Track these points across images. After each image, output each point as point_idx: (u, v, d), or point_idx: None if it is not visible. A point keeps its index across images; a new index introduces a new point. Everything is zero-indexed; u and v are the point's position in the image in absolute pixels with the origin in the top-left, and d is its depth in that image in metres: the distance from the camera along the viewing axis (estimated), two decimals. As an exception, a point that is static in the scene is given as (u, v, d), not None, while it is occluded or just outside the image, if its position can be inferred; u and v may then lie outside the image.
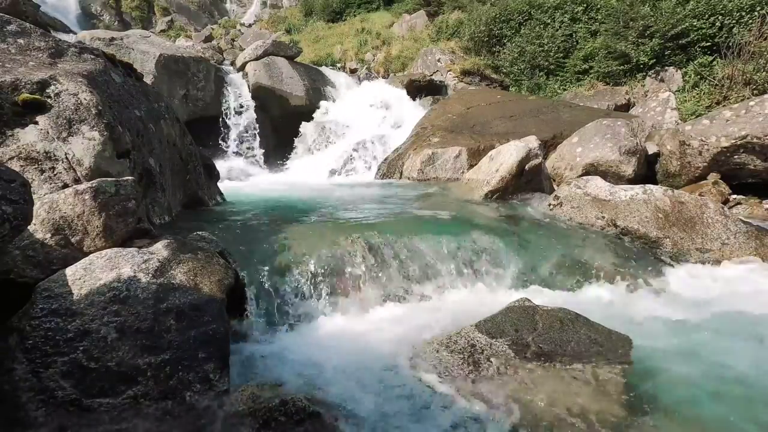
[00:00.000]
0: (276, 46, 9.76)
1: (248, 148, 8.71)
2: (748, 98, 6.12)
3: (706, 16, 7.62)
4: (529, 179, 4.76)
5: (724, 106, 6.40)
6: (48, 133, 2.35)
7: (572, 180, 4.37)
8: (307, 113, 9.24)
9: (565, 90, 9.05)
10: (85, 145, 2.40)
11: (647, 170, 5.78)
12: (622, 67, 8.38)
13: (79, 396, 1.69)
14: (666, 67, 8.04)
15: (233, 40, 14.87)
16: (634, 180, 5.14)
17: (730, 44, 7.14)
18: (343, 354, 2.22)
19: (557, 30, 9.39)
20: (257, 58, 9.47)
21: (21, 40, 2.75)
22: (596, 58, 8.76)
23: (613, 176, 5.25)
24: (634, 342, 2.17)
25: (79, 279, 1.93)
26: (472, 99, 7.92)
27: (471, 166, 5.58)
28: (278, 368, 2.10)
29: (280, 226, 3.22)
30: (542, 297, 2.82)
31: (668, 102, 7.28)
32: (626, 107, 8.00)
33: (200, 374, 1.82)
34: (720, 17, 7.55)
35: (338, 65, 12.30)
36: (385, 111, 9.13)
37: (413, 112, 8.93)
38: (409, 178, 6.09)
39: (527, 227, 3.64)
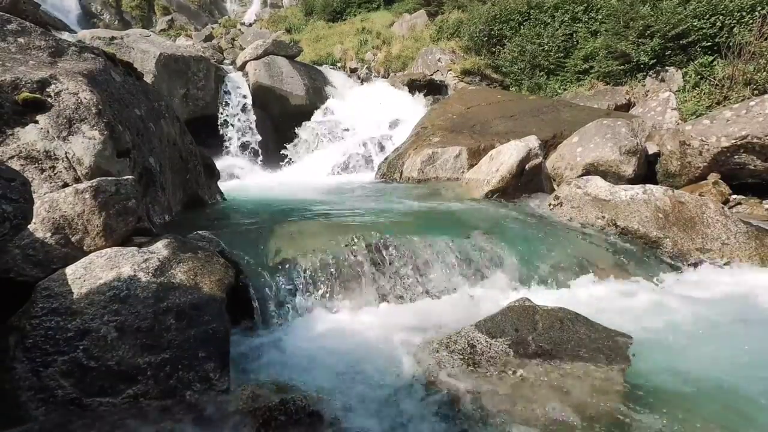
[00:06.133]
0: (276, 45, 9.76)
1: (248, 148, 8.71)
2: (748, 98, 6.11)
3: (707, 16, 7.61)
4: (529, 179, 4.75)
5: (724, 106, 6.39)
6: (48, 132, 2.35)
7: (572, 180, 4.37)
8: (307, 113, 9.24)
9: (565, 90, 9.04)
10: (85, 144, 2.40)
11: (647, 170, 5.77)
12: (622, 67, 8.37)
13: (79, 395, 1.69)
14: (666, 67, 8.03)
15: (233, 39, 14.87)
16: (634, 180, 5.14)
17: (731, 44, 7.13)
18: (343, 353, 2.22)
19: (557, 30, 9.38)
20: (257, 58, 9.46)
21: (21, 39, 2.75)
22: (596, 57, 8.76)
23: (613, 176, 5.24)
24: (633, 341, 2.17)
25: (79, 278, 1.93)
26: (473, 99, 7.92)
27: (471, 166, 5.58)
28: (278, 367, 2.11)
29: (280, 226, 3.22)
30: (542, 296, 2.82)
31: (668, 102, 7.28)
32: (626, 107, 7.99)
33: (200, 373, 1.82)
34: (720, 17, 7.54)
35: (338, 65, 12.29)
36: (385, 111, 9.13)
37: (413, 111, 8.93)
38: (409, 178, 6.09)
39: (527, 227, 3.64)
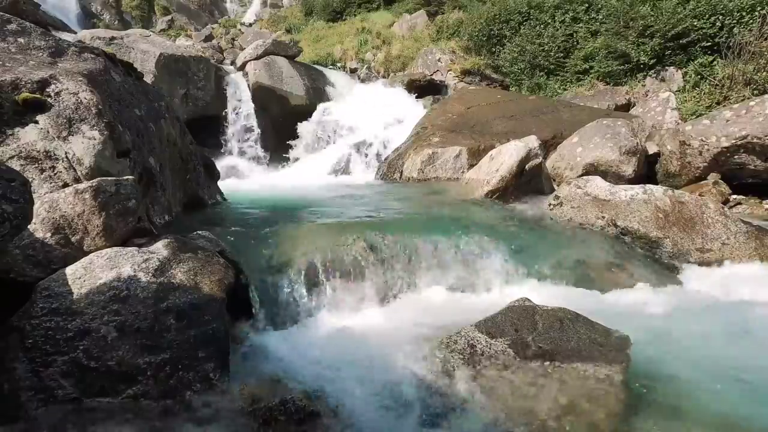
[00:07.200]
0: (276, 45, 9.75)
1: (248, 148, 8.71)
2: (748, 98, 6.11)
3: (707, 16, 7.61)
4: (529, 179, 4.75)
5: (724, 106, 6.39)
6: (48, 132, 2.35)
7: (572, 180, 4.37)
8: (307, 113, 9.23)
9: (565, 90, 9.04)
10: (85, 145, 2.40)
11: (647, 170, 5.77)
12: (622, 67, 8.37)
13: (79, 395, 1.69)
14: (666, 67, 8.02)
15: (233, 39, 14.86)
16: (634, 180, 5.14)
17: (731, 44, 7.12)
18: (343, 353, 2.22)
19: (557, 30, 9.38)
20: (257, 58, 9.45)
21: (21, 39, 2.75)
22: (596, 57, 8.75)
23: (613, 176, 5.24)
24: (633, 341, 2.17)
25: (80, 278, 1.93)
26: (473, 99, 7.91)
27: (471, 166, 5.57)
28: (278, 367, 2.11)
29: (280, 226, 3.22)
30: (542, 296, 2.82)
31: (668, 102, 7.27)
32: (626, 107, 7.98)
33: (200, 373, 1.82)
34: (720, 17, 7.53)
35: (338, 65, 12.28)
36: (385, 111, 9.12)
37: (413, 111, 8.92)
38: (409, 178, 6.09)
39: (527, 227, 3.64)
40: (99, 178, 2.22)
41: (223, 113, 8.77)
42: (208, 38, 14.49)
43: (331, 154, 8.24)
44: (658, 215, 3.58)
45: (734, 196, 5.32)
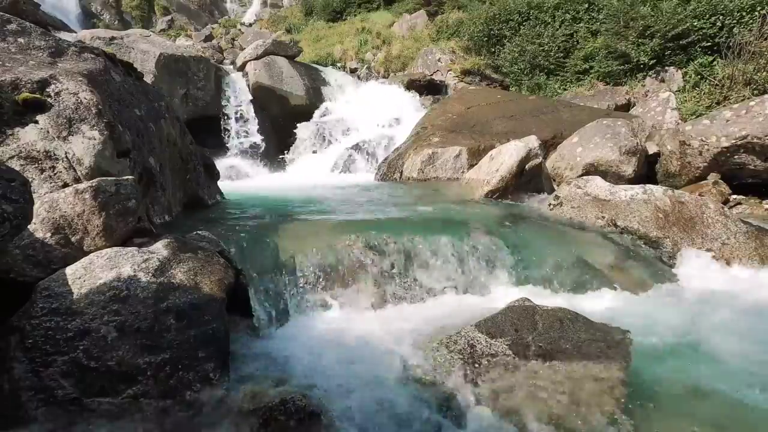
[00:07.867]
0: (276, 45, 9.75)
1: (248, 148, 8.71)
2: (748, 98, 6.11)
3: (707, 16, 7.61)
4: (529, 179, 4.75)
5: (724, 106, 6.39)
6: (48, 132, 2.35)
7: (572, 180, 4.37)
8: (307, 113, 9.24)
9: (565, 90, 9.04)
10: (85, 145, 2.40)
11: (647, 170, 5.77)
12: (622, 67, 8.37)
13: (79, 395, 1.69)
14: (666, 67, 8.03)
15: (233, 39, 14.87)
16: (634, 180, 5.14)
17: (731, 44, 7.12)
18: (343, 353, 2.22)
19: (557, 30, 9.38)
20: (257, 58, 9.46)
21: (21, 39, 2.75)
22: (596, 57, 8.76)
23: (613, 176, 5.24)
24: (633, 341, 2.17)
25: (79, 278, 1.93)
26: (473, 99, 7.91)
27: (471, 166, 5.57)
28: (278, 367, 2.11)
29: (280, 225, 3.22)
30: (542, 296, 2.82)
31: (668, 102, 7.27)
32: (626, 107, 7.99)
33: (200, 373, 1.82)
34: (720, 17, 7.54)
35: (338, 65, 12.29)
36: (385, 111, 9.13)
37: (413, 111, 8.93)
38: (409, 178, 6.09)
39: (527, 227, 3.64)
40: (99, 178, 2.22)
41: (223, 113, 8.78)
42: (208, 38, 14.50)
43: (330, 154, 8.25)
44: (658, 215, 3.58)
45: (734, 196, 5.32)
